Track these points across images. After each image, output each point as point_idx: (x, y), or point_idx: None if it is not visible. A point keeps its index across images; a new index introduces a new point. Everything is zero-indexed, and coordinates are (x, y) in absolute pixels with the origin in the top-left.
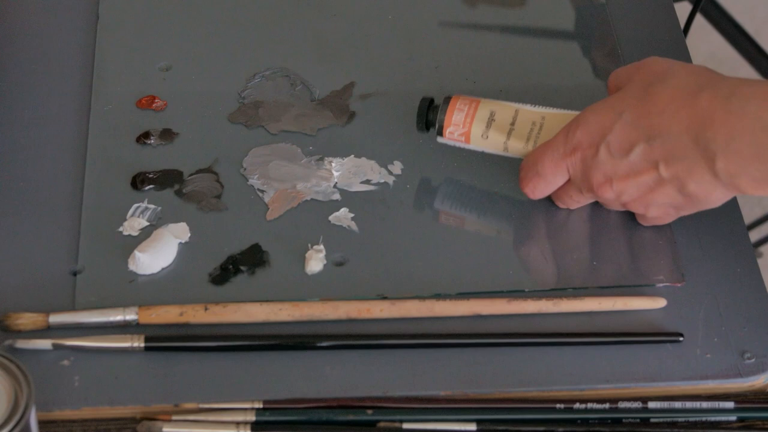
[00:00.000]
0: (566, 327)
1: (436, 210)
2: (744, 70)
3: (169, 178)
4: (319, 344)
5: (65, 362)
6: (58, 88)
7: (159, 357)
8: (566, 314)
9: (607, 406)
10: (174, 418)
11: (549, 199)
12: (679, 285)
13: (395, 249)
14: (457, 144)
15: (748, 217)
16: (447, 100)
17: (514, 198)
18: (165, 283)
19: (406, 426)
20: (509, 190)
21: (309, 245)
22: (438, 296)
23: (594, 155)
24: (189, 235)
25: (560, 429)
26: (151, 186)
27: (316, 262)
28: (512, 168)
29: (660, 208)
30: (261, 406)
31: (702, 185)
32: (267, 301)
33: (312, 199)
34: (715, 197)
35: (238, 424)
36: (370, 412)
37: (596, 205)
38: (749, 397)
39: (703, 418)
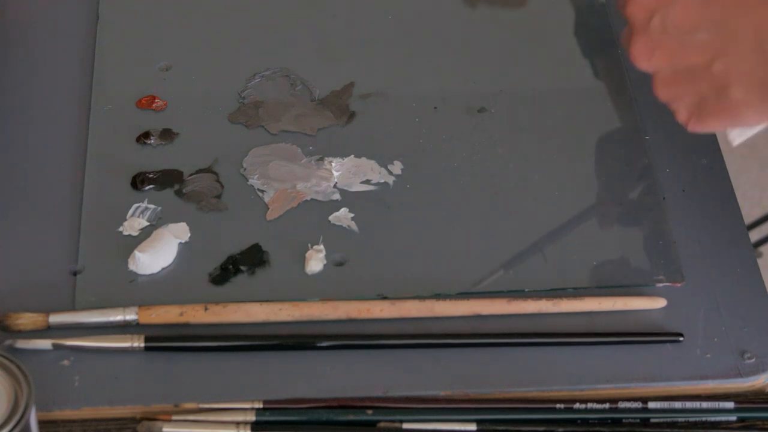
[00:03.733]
0: (566, 327)
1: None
2: None
3: (169, 178)
4: (319, 344)
5: (65, 362)
6: (58, 88)
7: (159, 357)
8: (566, 314)
9: (607, 406)
10: (174, 418)
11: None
12: (679, 285)
13: (395, 249)
14: None
15: (748, 217)
16: None
17: (514, 196)
18: (165, 283)
19: (406, 426)
20: (509, 190)
21: (309, 245)
22: (438, 296)
23: (646, 19)
24: (189, 235)
25: (560, 429)
26: (151, 186)
27: (316, 262)
28: (512, 167)
29: (687, 89)
30: (261, 406)
31: (749, 94)
32: (267, 301)
33: (312, 199)
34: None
35: (238, 424)
36: (370, 412)
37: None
38: (749, 397)
39: (703, 418)
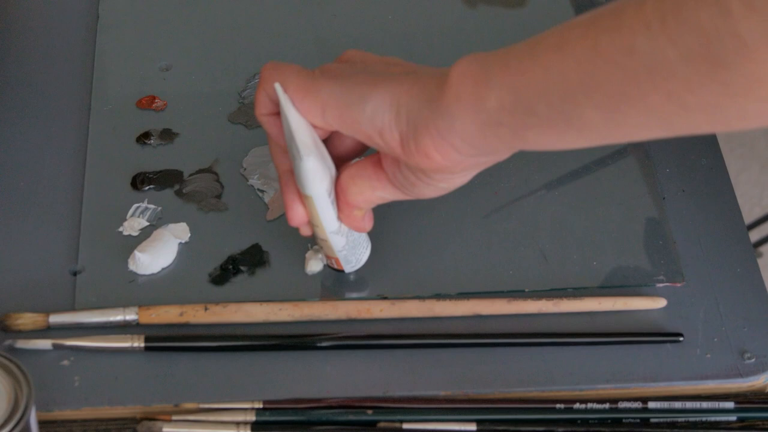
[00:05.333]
0: (566, 327)
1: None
2: None
3: (169, 178)
4: (319, 344)
5: (65, 362)
6: (58, 88)
7: (159, 357)
8: (566, 314)
9: (607, 406)
10: (174, 418)
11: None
12: (679, 285)
13: (395, 249)
14: None
15: (748, 217)
16: None
17: (514, 197)
18: (165, 283)
19: (406, 426)
20: (509, 190)
21: (309, 245)
22: (438, 296)
23: None
24: (189, 235)
25: (560, 429)
26: (151, 186)
27: (316, 262)
28: (512, 167)
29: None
30: (261, 406)
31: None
32: (267, 301)
33: None
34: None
35: (238, 424)
36: (370, 412)
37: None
38: (749, 397)
39: (703, 418)
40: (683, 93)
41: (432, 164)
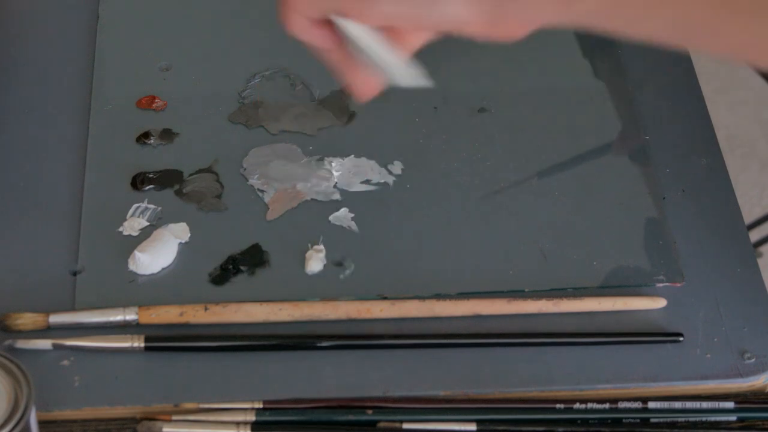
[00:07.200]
0: (566, 327)
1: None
2: (744, 70)
3: (169, 178)
4: (319, 344)
5: (65, 362)
6: (58, 88)
7: (159, 357)
8: (566, 314)
9: (607, 406)
10: (174, 418)
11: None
12: (679, 285)
13: (395, 249)
14: None
15: (748, 217)
16: None
17: (514, 196)
18: (165, 283)
19: (406, 426)
20: (509, 189)
21: (309, 245)
22: (438, 296)
23: None
24: (189, 235)
25: (560, 429)
26: (151, 186)
27: (316, 262)
28: (512, 167)
29: None
30: (261, 406)
31: None
32: (267, 301)
33: (312, 199)
34: None
35: (238, 424)
36: (370, 412)
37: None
38: (749, 397)
39: (703, 418)
40: None
41: None
